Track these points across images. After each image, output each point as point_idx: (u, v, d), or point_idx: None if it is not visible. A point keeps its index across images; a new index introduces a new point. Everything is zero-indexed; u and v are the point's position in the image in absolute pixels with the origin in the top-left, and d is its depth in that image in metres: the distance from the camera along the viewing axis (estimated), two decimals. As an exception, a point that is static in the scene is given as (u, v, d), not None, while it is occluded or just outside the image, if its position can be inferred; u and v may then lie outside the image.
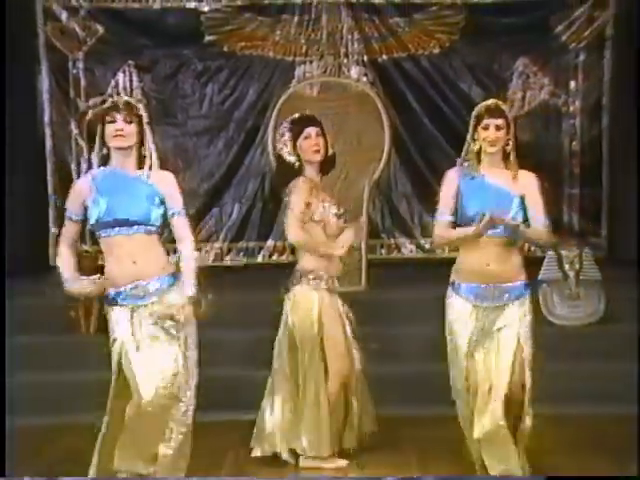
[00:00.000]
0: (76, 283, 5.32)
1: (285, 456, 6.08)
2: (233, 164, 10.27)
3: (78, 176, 10.06)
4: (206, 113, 10.30)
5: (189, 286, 5.32)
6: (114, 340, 5.27)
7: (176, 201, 5.42)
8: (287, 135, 6.06)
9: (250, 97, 10.22)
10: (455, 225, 5.51)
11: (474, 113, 5.52)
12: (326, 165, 6.17)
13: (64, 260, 5.43)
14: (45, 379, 7.67)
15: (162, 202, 5.36)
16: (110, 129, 5.26)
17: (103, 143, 5.32)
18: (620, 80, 9.98)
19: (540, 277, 8.08)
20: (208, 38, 10.18)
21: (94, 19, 10.06)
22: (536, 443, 5.58)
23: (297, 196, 5.98)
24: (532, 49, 10.17)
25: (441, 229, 5.59)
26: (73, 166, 10.18)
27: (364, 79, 10.05)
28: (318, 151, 5.99)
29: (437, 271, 9.37)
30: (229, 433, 6.81)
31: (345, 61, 10.19)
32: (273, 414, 6.16)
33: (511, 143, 5.48)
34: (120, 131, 5.24)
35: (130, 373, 5.18)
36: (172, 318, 5.21)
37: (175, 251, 5.44)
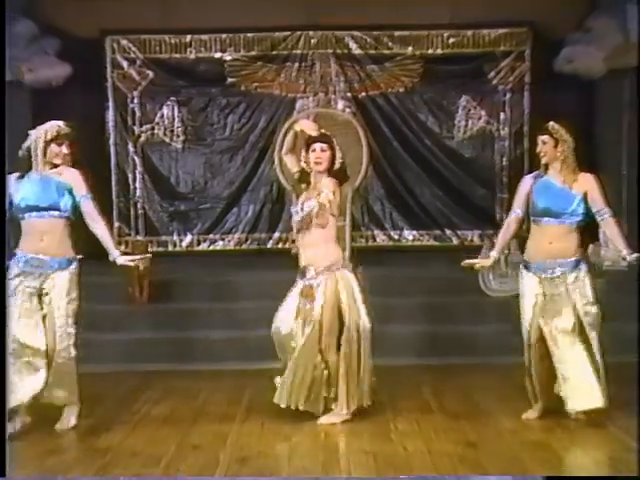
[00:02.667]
0: None
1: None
2: (249, 175, 10.19)
3: (134, 182, 10.11)
4: (228, 136, 10.20)
5: (114, 253, 5.41)
6: None
7: (81, 189, 5.33)
8: (303, 148, 5.67)
9: (261, 124, 10.15)
10: (523, 218, 5.59)
11: None
12: (337, 175, 5.55)
13: None
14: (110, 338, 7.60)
15: (70, 192, 5.31)
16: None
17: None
18: (536, 113, 9.93)
19: (479, 260, 8.03)
20: (230, 80, 10.11)
21: (146, 67, 10.05)
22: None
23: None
24: (472, 89, 10.10)
25: (509, 221, 5.66)
26: (130, 175, 10.15)
27: (348, 110, 10.01)
28: (319, 163, 5.53)
29: (403, 256, 9.51)
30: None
31: (333, 97, 10.13)
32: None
33: (563, 155, 5.43)
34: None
35: None
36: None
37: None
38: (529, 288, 5.50)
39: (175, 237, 10.18)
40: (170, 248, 10.14)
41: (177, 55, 10.07)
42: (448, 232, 10.14)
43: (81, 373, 6.07)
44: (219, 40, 10.08)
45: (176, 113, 10.11)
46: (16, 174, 5.39)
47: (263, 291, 7.99)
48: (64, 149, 5.33)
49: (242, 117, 10.19)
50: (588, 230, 8.88)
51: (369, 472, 4.62)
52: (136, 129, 10.12)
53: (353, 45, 10.12)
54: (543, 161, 5.49)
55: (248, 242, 10.18)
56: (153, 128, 10.10)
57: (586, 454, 4.90)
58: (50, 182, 5.31)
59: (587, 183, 5.47)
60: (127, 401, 6.16)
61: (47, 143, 5.34)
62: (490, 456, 4.88)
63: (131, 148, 10.12)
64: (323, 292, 5.47)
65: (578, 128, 9.36)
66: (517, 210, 5.61)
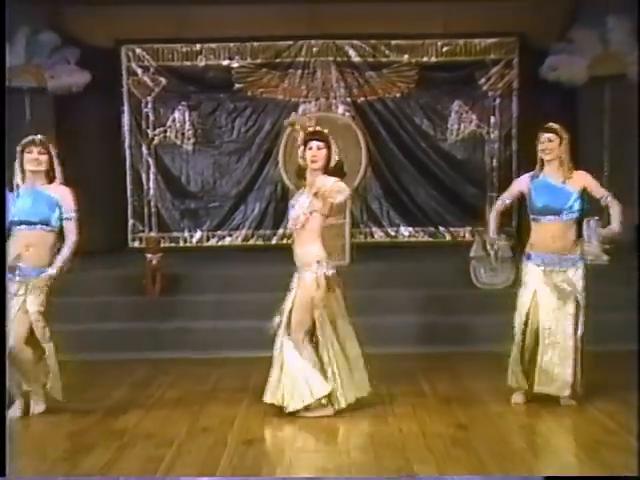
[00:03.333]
0: None
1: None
2: (255, 175, 10.20)
3: (147, 182, 10.14)
4: (235, 139, 10.22)
5: (58, 264, 5.34)
6: None
7: (69, 208, 5.41)
8: (301, 145, 5.36)
9: (267, 127, 10.16)
10: (509, 208, 5.78)
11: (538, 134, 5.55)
12: (334, 173, 5.30)
13: None
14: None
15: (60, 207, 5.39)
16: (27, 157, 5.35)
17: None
18: (524, 117, 9.99)
19: (471, 255, 8.04)
20: (237, 86, 10.13)
21: (159, 74, 10.08)
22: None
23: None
24: (464, 95, 10.12)
25: (496, 207, 5.75)
26: (144, 175, 10.16)
27: (347, 114, 10.00)
28: (315, 161, 5.24)
29: (399, 251, 9.52)
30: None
31: (334, 102, 10.13)
32: None
33: (563, 153, 5.46)
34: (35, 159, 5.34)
35: None
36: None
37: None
38: (532, 278, 5.51)
39: (186, 233, 10.20)
40: (181, 244, 10.17)
41: (188, 63, 10.09)
42: (441, 229, 10.16)
43: (98, 360, 6.15)
44: (227, 49, 10.10)
45: (187, 117, 10.12)
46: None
47: (268, 284, 7.96)
48: (35, 154, 5.35)
49: (248, 121, 10.20)
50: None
51: (367, 452, 4.65)
52: (150, 132, 10.13)
53: (352, 53, 10.13)
54: (547, 158, 5.46)
55: (254, 238, 10.19)
56: (165, 131, 10.12)
57: (569, 435, 4.93)
58: (42, 197, 5.37)
59: (583, 179, 5.50)
60: (141, 386, 6.18)
61: (21, 153, 5.39)
62: (479, 437, 4.91)
63: (145, 150, 10.13)
64: (297, 286, 5.36)
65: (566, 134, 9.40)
66: (505, 199, 5.67)
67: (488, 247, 8.10)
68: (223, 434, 5.00)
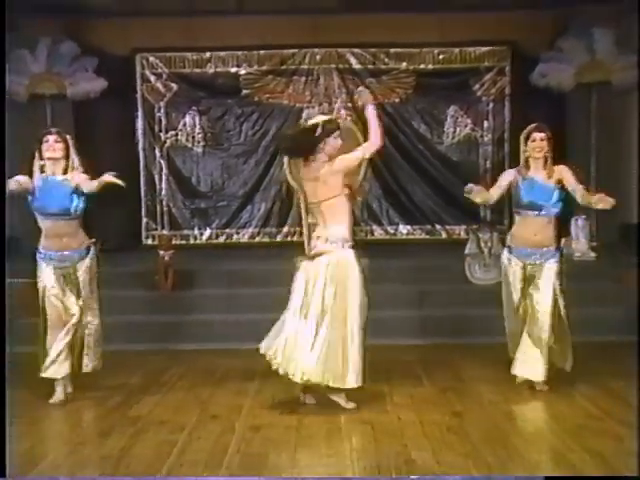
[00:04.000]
0: None
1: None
2: (261, 176, 10.18)
3: (160, 182, 10.15)
4: (243, 142, 10.19)
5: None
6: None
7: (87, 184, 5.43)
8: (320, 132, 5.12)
9: (272, 131, 10.12)
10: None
11: (524, 133, 5.58)
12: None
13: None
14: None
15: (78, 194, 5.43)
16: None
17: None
18: (515, 121, 9.95)
19: (465, 252, 8.05)
20: (244, 92, 10.09)
21: (171, 80, 10.04)
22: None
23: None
24: (459, 100, 10.09)
25: (484, 194, 5.64)
26: (156, 176, 10.16)
27: (349, 119, 9.96)
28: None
29: (398, 248, 9.54)
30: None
31: (336, 107, 10.09)
32: None
33: (549, 152, 5.50)
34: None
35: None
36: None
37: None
38: (514, 271, 5.58)
39: (196, 231, 10.21)
40: (192, 241, 10.17)
41: (198, 70, 10.07)
42: (438, 227, 10.16)
43: (114, 351, 6.17)
44: (235, 57, 10.07)
45: (197, 121, 10.12)
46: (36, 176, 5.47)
47: (273, 279, 8.03)
48: (51, 142, 5.44)
49: (255, 124, 10.19)
50: (562, 225, 8.96)
51: (367, 439, 4.67)
52: (162, 135, 10.12)
53: (353, 61, 10.11)
54: (539, 156, 5.50)
55: (260, 236, 10.18)
56: (177, 134, 10.11)
57: (556, 421, 4.94)
58: (60, 187, 5.41)
59: (560, 172, 5.54)
60: (155, 376, 6.21)
61: (39, 143, 5.48)
62: (473, 424, 4.94)
63: (157, 152, 10.13)
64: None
65: (551, 133, 9.46)
66: (494, 194, 5.65)
67: (482, 244, 8.13)
68: (231, 421, 5.03)
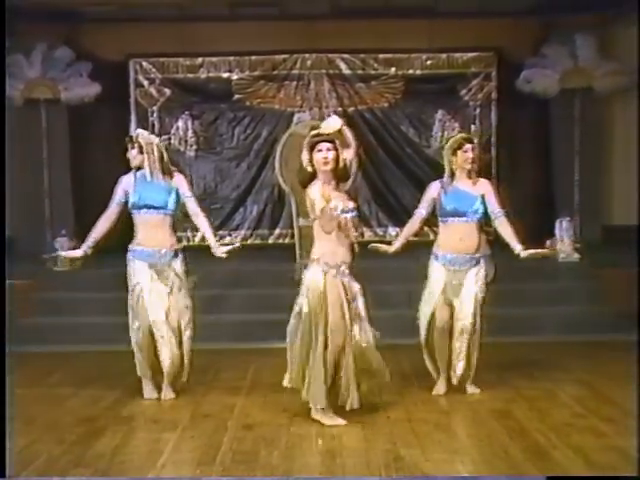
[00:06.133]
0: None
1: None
2: (253, 179, 10.21)
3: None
4: (235, 146, 10.22)
5: (215, 247, 5.60)
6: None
7: (185, 190, 5.56)
8: (307, 147, 4.85)
9: (264, 135, 10.16)
10: (426, 218, 5.57)
11: (453, 143, 5.43)
12: (340, 174, 4.87)
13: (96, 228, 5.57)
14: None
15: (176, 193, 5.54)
16: None
17: None
18: (502, 125, 10.07)
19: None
20: (236, 96, 10.12)
21: (164, 85, 10.07)
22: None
23: (315, 195, 4.77)
24: (446, 105, 10.13)
25: (414, 219, 5.59)
26: (149, 179, 10.15)
27: (339, 123, 10.00)
28: (327, 163, 4.76)
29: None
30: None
31: (326, 111, 10.03)
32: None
33: (475, 161, 5.43)
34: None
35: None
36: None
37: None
38: (437, 277, 5.49)
39: (189, 233, 10.18)
40: (185, 243, 10.13)
41: (191, 75, 10.09)
42: (425, 229, 10.10)
43: (111, 351, 6.15)
44: (227, 62, 10.10)
45: (190, 125, 10.13)
46: (134, 173, 5.56)
47: (264, 280, 8.08)
48: (132, 151, 5.54)
49: (247, 129, 10.21)
50: (546, 227, 9.01)
51: (357, 436, 4.67)
52: (155, 140, 10.14)
53: (343, 66, 10.14)
54: (469, 167, 5.38)
55: (252, 237, 10.20)
56: (170, 138, 10.10)
57: (541, 420, 4.96)
58: (161, 185, 5.50)
59: (484, 187, 5.46)
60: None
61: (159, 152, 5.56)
62: (460, 422, 4.96)
63: (150, 156, 10.14)
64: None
65: (536, 138, 9.53)
66: (422, 210, 5.54)
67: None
68: (224, 420, 5.03)
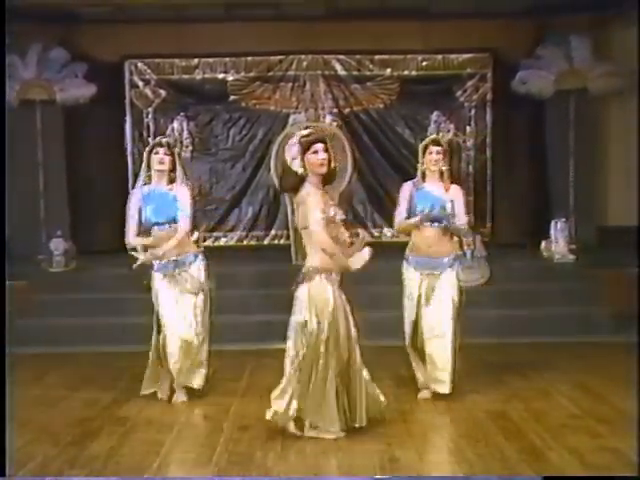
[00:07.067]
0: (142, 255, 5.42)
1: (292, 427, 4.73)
2: (248, 180, 10.18)
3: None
4: (230, 147, 10.20)
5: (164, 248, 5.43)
6: None
7: (185, 206, 5.49)
8: (298, 149, 4.70)
9: (259, 136, 10.14)
10: (407, 218, 5.49)
11: (422, 145, 5.49)
12: (329, 177, 4.72)
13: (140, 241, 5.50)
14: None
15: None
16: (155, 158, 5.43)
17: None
18: (497, 126, 10.06)
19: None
20: (232, 98, 10.10)
21: (159, 86, 10.05)
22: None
23: (314, 202, 4.58)
24: (442, 106, 10.12)
25: (400, 221, 5.55)
26: (145, 181, 10.14)
27: (334, 124, 10.00)
28: (323, 165, 4.59)
29: (382, 250, 9.49)
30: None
31: (322, 112, 10.12)
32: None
33: (445, 166, 5.42)
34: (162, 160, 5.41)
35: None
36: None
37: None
38: (411, 281, 5.50)
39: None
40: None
41: (186, 76, 10.07)
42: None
43: (106, 352, 6.14)
44: (223, 63, 10.08)
45: (185, 126, 10.10)
46: (143, 186, 5.52)
47: (260, 281, 8.08)
48: (161, 155, 5.45)
49: (242, 130, 10.19)
50: (542, 228, 9.01)
51: (352, 438, 4.65)
52: (150, 141, 10.01)
53: (339, 67, 10.13)
54: (434, 169, 5.40)
55: (248, 238, 10.18)
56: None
57: (537, 420, 4.97)
58: (168, 198, 5.46)
59: (456, 193, 5.48)
60: (143, 377, 6.18)
61: (149, 154, 5.50)
62: (457, 422, 4.97)
63: (145, 158, 10.09)
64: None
65: (531, 139, 9.53)
66: (403, 213, 5.52)
67: (465, 246, 8.13)
68: (220, 421, 5.03)
